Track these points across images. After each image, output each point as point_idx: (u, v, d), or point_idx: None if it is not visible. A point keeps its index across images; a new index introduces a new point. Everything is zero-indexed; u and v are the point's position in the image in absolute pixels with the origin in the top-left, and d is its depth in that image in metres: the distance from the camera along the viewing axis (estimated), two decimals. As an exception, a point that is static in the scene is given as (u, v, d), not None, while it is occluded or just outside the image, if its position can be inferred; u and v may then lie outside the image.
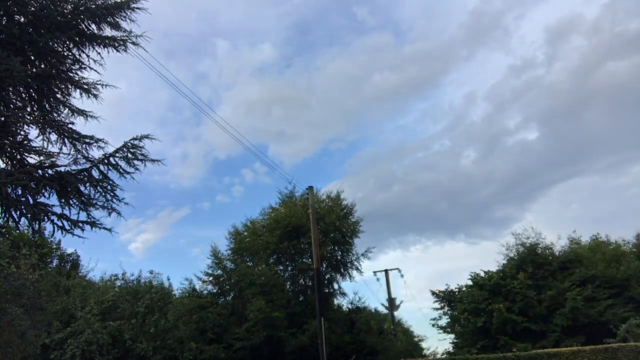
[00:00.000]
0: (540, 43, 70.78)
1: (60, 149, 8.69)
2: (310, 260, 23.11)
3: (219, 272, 23.02)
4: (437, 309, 27.98)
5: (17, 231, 15.88)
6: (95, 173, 8.66)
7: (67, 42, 8.58)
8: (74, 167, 8.48)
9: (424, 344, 43.13)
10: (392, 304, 30.28)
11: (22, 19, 8.08)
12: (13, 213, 7.89)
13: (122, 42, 9.05)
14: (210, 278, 22.94)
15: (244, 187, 54.01)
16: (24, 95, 8.49)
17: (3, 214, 7.78)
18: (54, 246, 25.31)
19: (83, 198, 8.39)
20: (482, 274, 26.72)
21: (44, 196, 8.12)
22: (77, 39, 8.60)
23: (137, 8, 9.00)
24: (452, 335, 27.68)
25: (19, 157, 8.10)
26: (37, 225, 8.26)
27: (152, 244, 49.78)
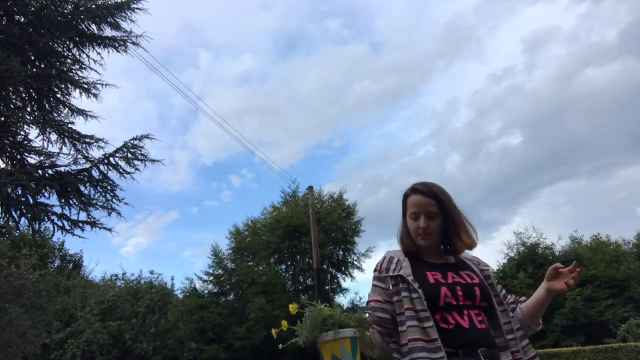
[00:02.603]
0: (518, 53, 71.87)
1: (60, 149, 8.69)
2: (311, 260, 23.13)
3: (220, 271, 23.04)
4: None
5: (18, 232, 15.90)
6: (95, 173, 8.66)
7: (67, 42, 8.58)
8: (74, 167, 8.47)
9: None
10: (392, 303, 30.27)
11: (22, 19, 8.08)
12: (13, 213, 7.89)
13: (122, 42, 9.05)
14: (211, 278, 22.97)
15: (232, 191, 53.85)
16: (24, 95, 8.49)
17: (3, 214, 7.78)
18: (57, 247, 25.34)
19: (83, 198, 8.39)
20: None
21: (44, 196, 8.12)
22: (77, 39, 8.60)
23: (137, 8, 9.01)
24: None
25: (19, 157, 8.10)
26: (37, 225, 8.26)
27: (143, 248, 49.60)
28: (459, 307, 1.65)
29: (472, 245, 1.83)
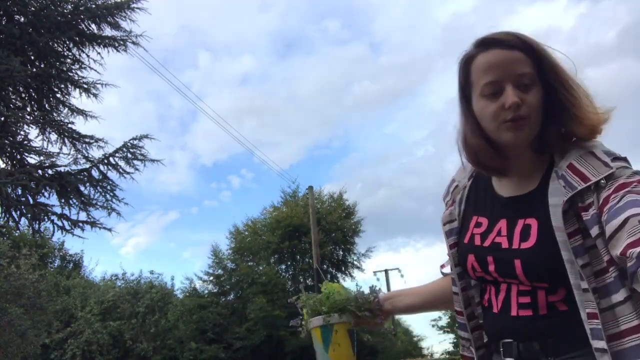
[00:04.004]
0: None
1: (60, 149, 8.70)
2: (311, 260, 23.15)
3: (220, 271, 23.06)
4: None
5: (18, 232, 15.89)
6: (95, 173, 8.66)
7: (67, 42, 8.58)
8: (74, 167, 8.48)
9: (423, 344, 43.15)
10: (392, 303, 30.28)
11: (22, 19, 8.08)
12: (13, 213, 7.89)
13: (122, 42, 9.05)
14: (211, 278, 22.99)
15: (232, 192, 53.86)
16: (24, 95, 8.49)
17: (3, 214, 7.78)
18: (57, 247, 25.33)
19: (83, 198, 8.39)
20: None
21: (44, 196, 8.12)
22: (77, 39, 8.60)
23: (137, 8, 9.01)
24: (452, 335, 27.70)
25: (19, 157, 8.10)
26: (37, 225, 8.26)
27: (143, 248, 49.62)
28: (496, 281, 1.10)
29: (594, 129, 1.02)
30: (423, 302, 1.39)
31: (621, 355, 0.87)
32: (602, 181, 0.93)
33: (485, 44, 1.06)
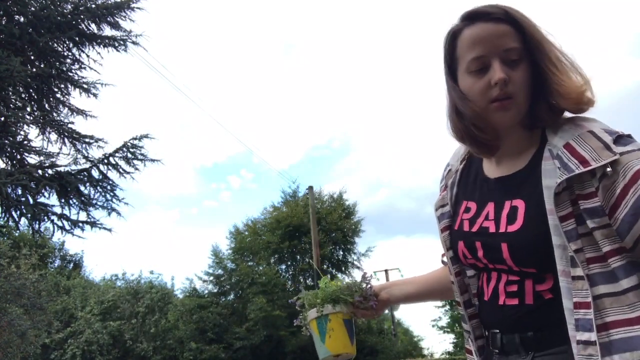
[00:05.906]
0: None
1: (60, 148, 8.70)
2: (311, 260, 23.17)
3: (220, 271, 23.07)
4: (439, 307, 28.14)
5: (18, 232, 15.89)
6: (95, 173, 8.66)
7: (67, 42, 8.59)
8: (74, 167, 8.49)
9: (423, 344, 43.17)
10: (392, 303, 30.29)
11: (22, 19, 8.08)
12: (13, 213, 7.89)
13: (122, 42, 9.06)
14: (211, 278, 23.00)
15: (231, 192, 53.78)
16: (24, 95, 8.49)
17: (3, 214, 7.79)
18: (57, 247, 25.35)
19: (83, 198, 8.39)
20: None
21: (44, 196, 8.13)
22: (77, 39, 8.60)
23: (137, 8, 9.01)
24: (452, 336, 27.72)
25: (19, 157, 8.10)
26: (37, 225, 8.27)
27: (143, 248, 49.74)
28: (486, 268, 1.08)
29: (578, 101, 0.96)
30: (421, 291, 1.39)
31: (609, 346, 0.84)
32: (609, 169, 0.87)
33: (472, 17, 1.02)
